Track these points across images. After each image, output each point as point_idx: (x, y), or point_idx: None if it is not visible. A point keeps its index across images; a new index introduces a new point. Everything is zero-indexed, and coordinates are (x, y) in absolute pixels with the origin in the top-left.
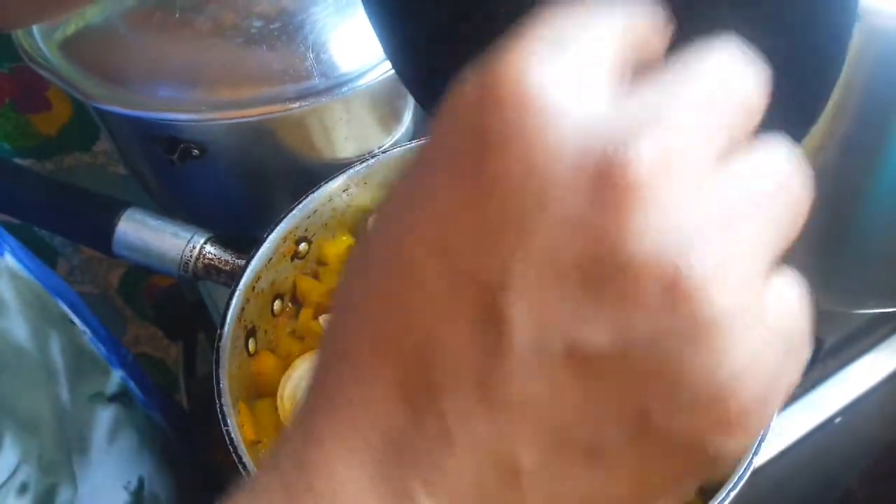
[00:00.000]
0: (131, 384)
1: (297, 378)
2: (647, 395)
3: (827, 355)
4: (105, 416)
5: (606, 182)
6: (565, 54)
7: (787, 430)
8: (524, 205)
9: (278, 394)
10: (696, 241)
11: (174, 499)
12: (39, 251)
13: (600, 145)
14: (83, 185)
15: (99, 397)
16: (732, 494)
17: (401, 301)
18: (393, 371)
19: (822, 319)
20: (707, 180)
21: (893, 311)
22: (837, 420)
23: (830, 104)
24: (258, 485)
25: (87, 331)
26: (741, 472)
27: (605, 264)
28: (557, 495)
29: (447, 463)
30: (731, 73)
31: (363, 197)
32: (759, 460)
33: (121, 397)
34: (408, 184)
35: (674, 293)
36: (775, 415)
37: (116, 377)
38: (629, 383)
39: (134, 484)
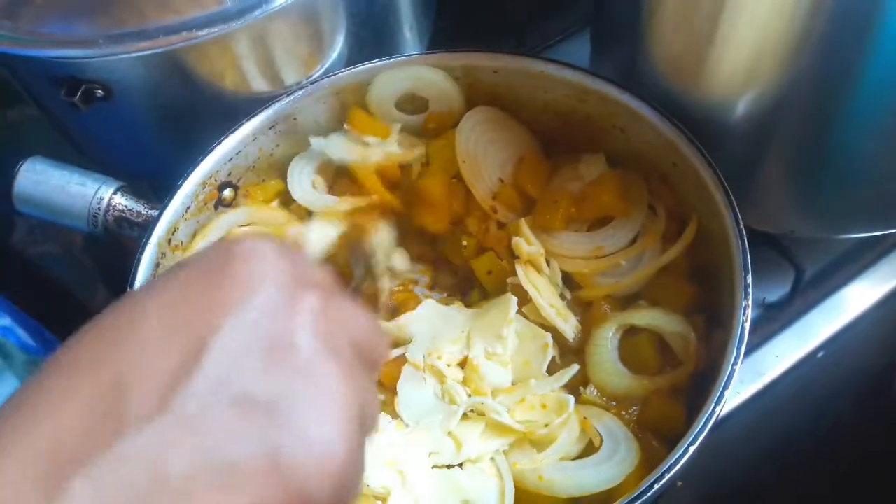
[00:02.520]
0: (17, 332)
1: None
2: (276, 437)
3: (808, 286)
4: None
5: (294, 300)
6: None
7: (768, 365)
8: (243, 294)
9: None
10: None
11: None
12: None
13: (295, 282)
14: (28, 140)
15: None
16: (692, 449)
17: (118, 333)
18: (88, 389)
19: (802, 247)
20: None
21: (878, 235)
22: (820, 355)
23: (804, 7)
24: None
25: None
26: (703, 422)
27: (281, 345)
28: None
29: (110, 462)
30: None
31: (293, 135)
32: (741, 397)
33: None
34: (168, 273)
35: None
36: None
37: None
38: (268, 427)
39: None
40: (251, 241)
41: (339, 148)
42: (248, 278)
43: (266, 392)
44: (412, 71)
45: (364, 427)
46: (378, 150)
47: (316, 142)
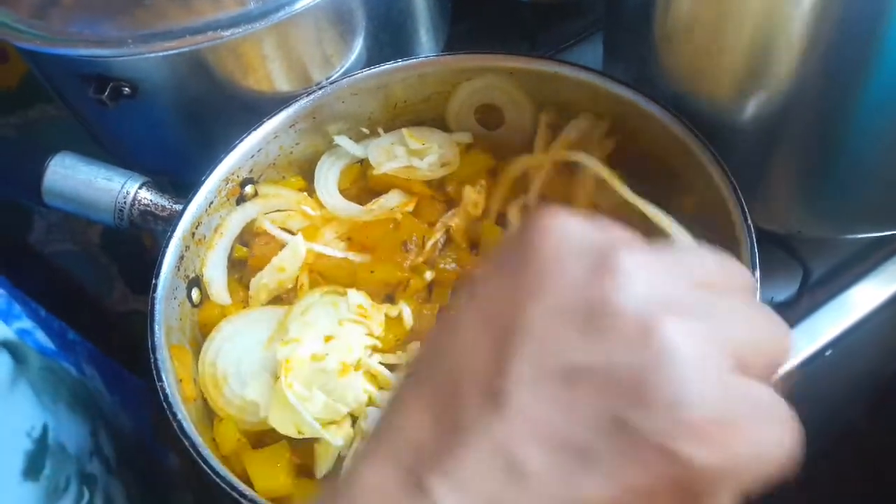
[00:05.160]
0: (37, 335)
1: (220, 341)
2: (622, 404)
3: (815, 285)
4: (2, 362)
5: (605, 263)
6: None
7: None
8: (545, 267)
9: (200, 357)
10: (671, 308)
11: (86, 451)
12: (11, 210)
13: (603, 247)
14: (50, 138)
15: None
16: None
17: (441, 345)
18: (427, 398)
19: (810, 246)
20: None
21: (886, 236)
22: (828, 353)
23: (812, 12)
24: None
25: None
26: None
27: (599, 312)
28: (557, 497)
29: (463, 460)
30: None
31: (313, 133)
32: None
33: (17, 346)
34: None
35: (647, 336)
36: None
37: (12, 328)
38: (609, 395)
39: (38, 431)
40: (547, 218)
41: (380, 155)
42: (548, 251)
43: (595, 360)
44: (490, 81)
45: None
46: (424, 162)
47: (340, 139)
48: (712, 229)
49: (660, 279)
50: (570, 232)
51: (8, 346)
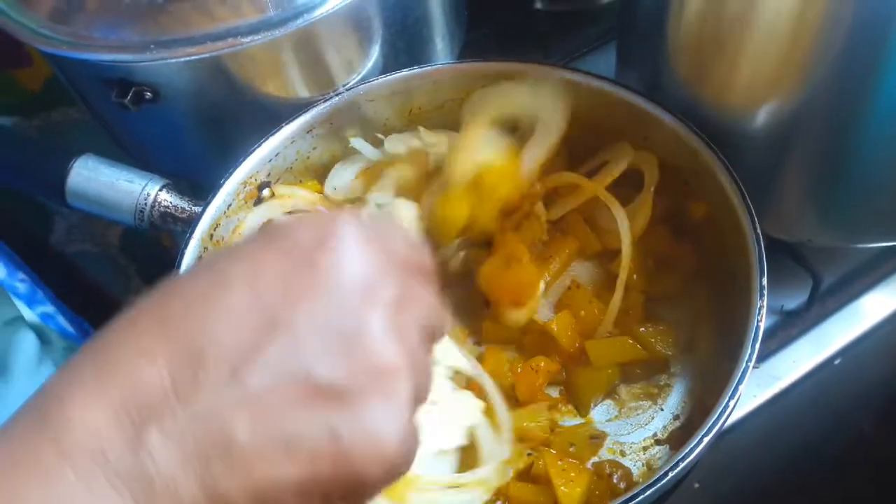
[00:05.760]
0: (58, 319)
1: None
2: (338, 418)
3: (825, 294)
4: (29, 339)
5: (374, 290)
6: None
7: (784, 370)
8: (325, 280)
9: None
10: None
11: None
12: (33, 212)
13: (376, 270)
14: (72, 141)
15: (20, 321)
16: (706, 440)
17: (207, 306)
18: (172, 352)
19: (820, 255)
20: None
21: None
22: (837, 362)
23: (822, 20)
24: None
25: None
26: (717, 415)
27: (355, 341)
28: (256, 472)
29: (184, 420)
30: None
31: (330, 139)
32: (758, 400)
33: (41, 329)
34: (256, 242)
35: (383, 379)
36: None
37: (36, 313)
38: (331, 409)
39: None
40: (341, 223)
41: (397, 145)
42: (332, 265)
43: (332, 377)
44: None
45: (418, 401)
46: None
47: (356, 142)
48: (722, 237)
49: (410, 330)
50: (357, 246)
51: (34, 328)
